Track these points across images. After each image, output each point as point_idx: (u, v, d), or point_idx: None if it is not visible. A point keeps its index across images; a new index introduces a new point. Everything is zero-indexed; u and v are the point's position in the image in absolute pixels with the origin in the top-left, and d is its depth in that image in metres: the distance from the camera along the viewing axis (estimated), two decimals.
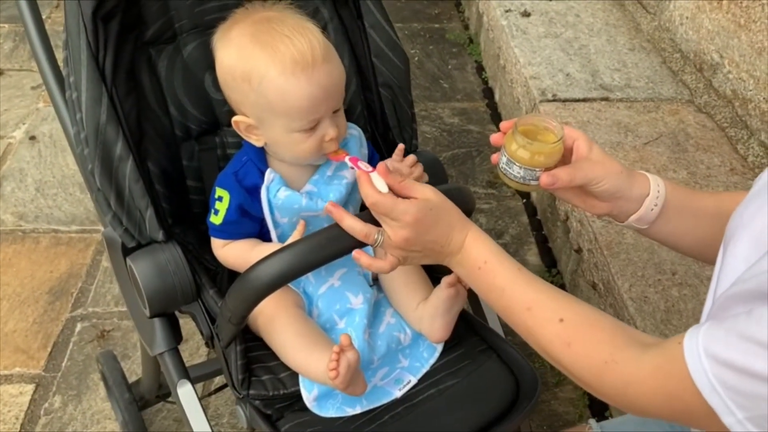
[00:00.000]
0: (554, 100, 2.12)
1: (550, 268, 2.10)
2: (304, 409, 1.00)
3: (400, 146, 1.09)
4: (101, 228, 2.17)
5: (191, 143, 1.13)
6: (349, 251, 0.87)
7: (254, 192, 1.02)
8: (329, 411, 1.00)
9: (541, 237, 2.24)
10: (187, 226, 1.12)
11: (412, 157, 1.08)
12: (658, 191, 0.91)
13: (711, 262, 0.78)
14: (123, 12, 1.00)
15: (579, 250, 1.75)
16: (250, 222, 1.03)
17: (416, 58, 3.18)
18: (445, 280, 1.03)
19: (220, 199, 1.01)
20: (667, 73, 2.25)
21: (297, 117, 0.96)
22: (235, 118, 1.01)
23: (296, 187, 1.03)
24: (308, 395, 1.00)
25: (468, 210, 1.03)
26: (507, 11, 2.58)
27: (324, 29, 1.13)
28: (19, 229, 2.19)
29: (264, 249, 0.99)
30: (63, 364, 1.81)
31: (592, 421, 1.00)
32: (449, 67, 3.14)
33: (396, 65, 1.18)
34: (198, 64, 1.11)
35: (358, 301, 1.05)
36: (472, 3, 3.16)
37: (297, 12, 1.03)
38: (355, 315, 1.04)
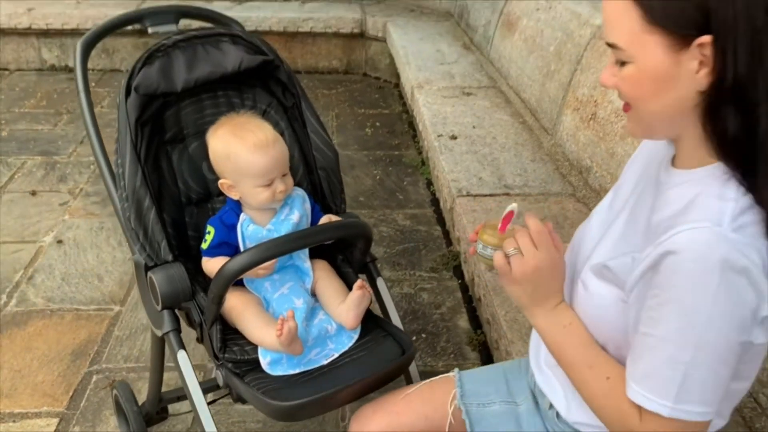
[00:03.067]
0: (467, 195, 2.72)
1: (476, 330, 2.62)
2: (262, 370, 1.50)
3: None
4: (114, 307, 2.72)
5: (192, 207, 1.70)
6: (284, 254, 1.43)
7: (232, 228, 1.57)
8: (278, 371, 1.49)
9: (471, 308, 2.76)
10: (188, 259, 1.67)
11: None
12: None
13: None
14: (152, 121, 1.62)
15: (480, 299, 2.28)
16: (227, 248, 1.56)
17: (378, 177, 3.83)
18: (356, 284, 1.56)
19: (208, 233, 1.57)
20: (558, 176, 2.84)
21: (258, 177, 1.52)
22: (220, 181, 1.58)
23: (261, 225, 1.60)
24: (264, 360, 1.50)
25: (370, 237, 1.59)
26: (439, 135, 3.24)
27: (282, 134, 1.75)
28: (48, 309, 2.69)
29: None
30: (81, 404, 2.24)
31: (456, 370, 1.48)
32: (404, 183, 3.77)
33: (329, 156, 1.77)
34: (198, 156, 1.70)
35: (300, 302, 1.57)
36: (423, 133, 3.88)
37: (258, 118, 1.64)
38: (297, 311, 1.57)
